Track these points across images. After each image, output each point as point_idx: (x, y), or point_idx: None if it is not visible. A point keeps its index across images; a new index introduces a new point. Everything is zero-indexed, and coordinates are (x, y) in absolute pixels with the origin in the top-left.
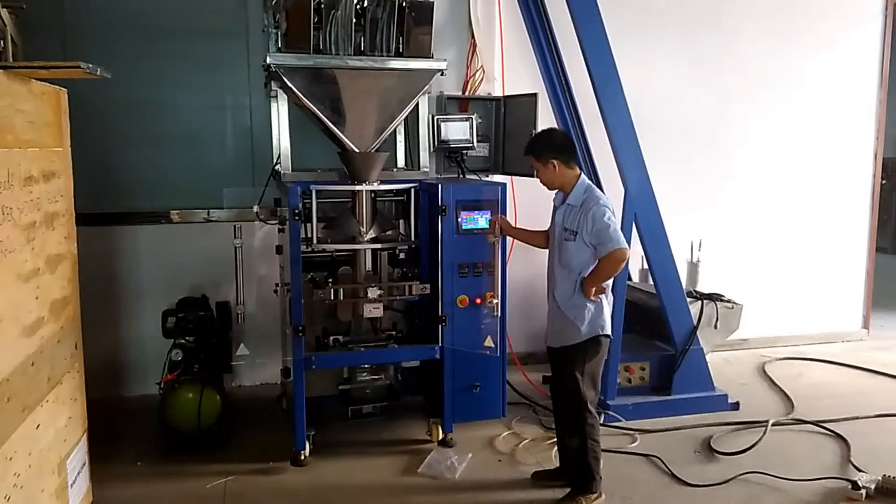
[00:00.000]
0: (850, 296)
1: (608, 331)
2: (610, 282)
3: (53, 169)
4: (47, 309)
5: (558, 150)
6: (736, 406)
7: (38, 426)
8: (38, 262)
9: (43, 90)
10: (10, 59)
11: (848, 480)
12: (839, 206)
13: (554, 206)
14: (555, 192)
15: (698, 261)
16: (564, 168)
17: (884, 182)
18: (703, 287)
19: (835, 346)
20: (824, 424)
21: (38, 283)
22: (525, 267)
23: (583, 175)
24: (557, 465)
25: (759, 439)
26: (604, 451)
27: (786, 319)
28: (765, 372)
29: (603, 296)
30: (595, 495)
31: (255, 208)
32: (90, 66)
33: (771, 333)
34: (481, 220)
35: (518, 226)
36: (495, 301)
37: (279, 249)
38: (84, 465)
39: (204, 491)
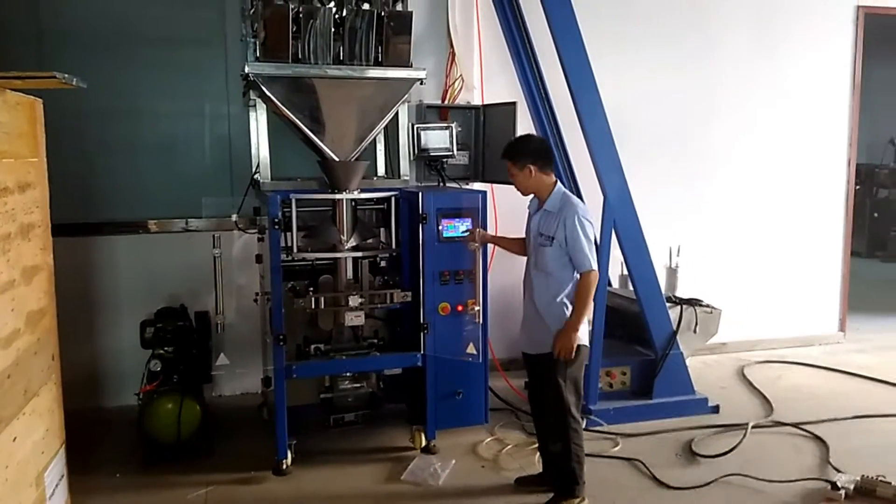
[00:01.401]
0: (827, 300)
1: (586, 341)
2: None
3: (29, 180)
4: (23, 321)
5: (535, 156)
6: (716, 409)
7: (15, 439)
8: (14, 273)
9: (17, 100)
10: None
11: (827, 481)
12: (815, 211)
13: (529, 213)
14: (530, 197)
15: (677, 266)
16: (540, 174)
17: (857, 187)
18: (682, 292)
19: (812, 350)
20: (803, 426)
21: (14, 294)
22: (505, 274)
23: (559, 183)
24: (540, 470)
25: (740, 442)
26: (587, 455)
27: (764, 323)
28: (744, 375)
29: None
30: (578, 499)
31: (234, 217)
32: (66, 76)
33: (749, 337)
34: (462, 228)
35: (498, 233)
36: (477, 308)
37: (259, 258)
38: (62, 477)
39: (185, 502)
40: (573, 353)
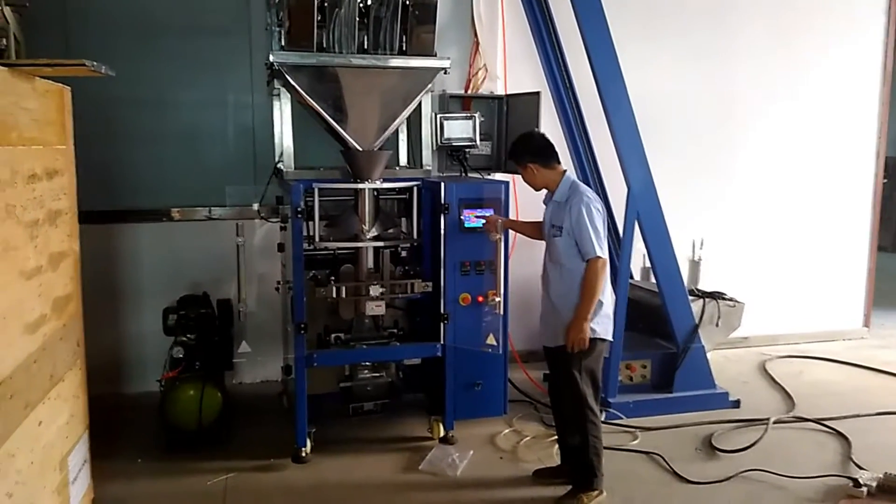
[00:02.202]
0: (851, 294)
1: (605, 335)
2: (608, 282)
3: (57, 167)
4: (50, 306)
5: (535, 154)
6: (737, 404)
7: (41, 423)
8: (41, 259)
9: (47, 88)
10: (14, 57)
11: (849, 478)
12: (841, 204)
13: (544, 204)
14: (544, 191)
15: (700, 259)
16: (544, 169)
17: (885, 181)
18: (705, 285)
19: (835, 345)
20: (825, 422)
21: (41, 280)
22: (525, 265)
23: (567, 172)
24: (559, 462)
25: (761, 437)
26: (605, 448)
27: (786, 317)
28: (765, 370)
29: (602, 299)
30: (596, 492)
31: (256, 206)
32: (95, 64)
33: (772, 332)
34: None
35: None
36: (498, 299)
37: (281, 247)
38: (85, 462)
39: (205, 488)
40: (586, 344)
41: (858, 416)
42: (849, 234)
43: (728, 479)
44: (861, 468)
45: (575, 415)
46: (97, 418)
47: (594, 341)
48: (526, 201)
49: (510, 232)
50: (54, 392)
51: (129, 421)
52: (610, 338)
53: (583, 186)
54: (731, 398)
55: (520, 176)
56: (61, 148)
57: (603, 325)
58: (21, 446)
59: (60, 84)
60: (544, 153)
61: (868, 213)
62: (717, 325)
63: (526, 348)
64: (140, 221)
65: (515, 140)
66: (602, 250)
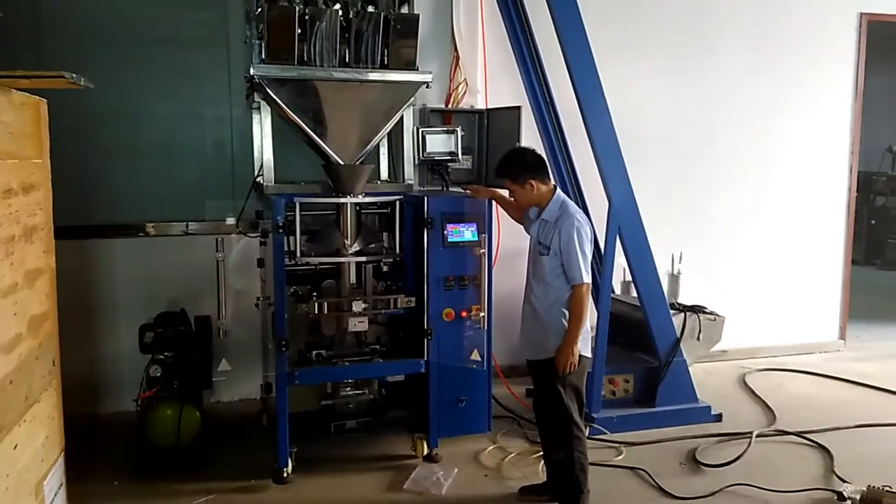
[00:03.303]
0: (827, 307)
1: (586, 352)
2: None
3: (33, 181)
4: (25, 325)
5: (533, 170)
6: (719, 418)
7: (16, 447)
8: (17, 276)
9: (23, 100)
10: None
11: (833, 491)
12: (816, 218)
13: (529, 219)
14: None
15: (679, 273)
16: (541, 185)
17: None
18: (683, 299)
19: (813, 357)
20: (806, 435)
21: (17, 298)
22: (506, 279)
23: (557, 189)
24: (544, 479)
25: (744, 451)
26: (590, 464)
27: (764, 331)
28: (745, 383)
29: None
30: None
31: (230, 220)
32: (74, 76)
33: (750, 344)
34: (467, 233)
35: (502, 237)
36: (482, 314)
37: (261, 262)
38: (61, 485)
39: None
40: (576, 367)
41: (839, 428)
42: (824, 247)
43: (713, 493)
44: (844, 481)
45: (560, 430)
46: (71, 439)
47: (578, 358)
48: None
49: (494, 247)
50: (30, 414)
51: (105, 442)
52: (589, 354)
53: (572, 206)
54: (713, 412)
55: (510, 194)
56: (38, 162)
57: (586, 341)
58: None
59: (37, 96)
60: (541, 168)
61: (842, 227)
62: (698, 338)
63: (507, 363)
64: (115, 237)
65: (508, 156)
66: (588, 275)
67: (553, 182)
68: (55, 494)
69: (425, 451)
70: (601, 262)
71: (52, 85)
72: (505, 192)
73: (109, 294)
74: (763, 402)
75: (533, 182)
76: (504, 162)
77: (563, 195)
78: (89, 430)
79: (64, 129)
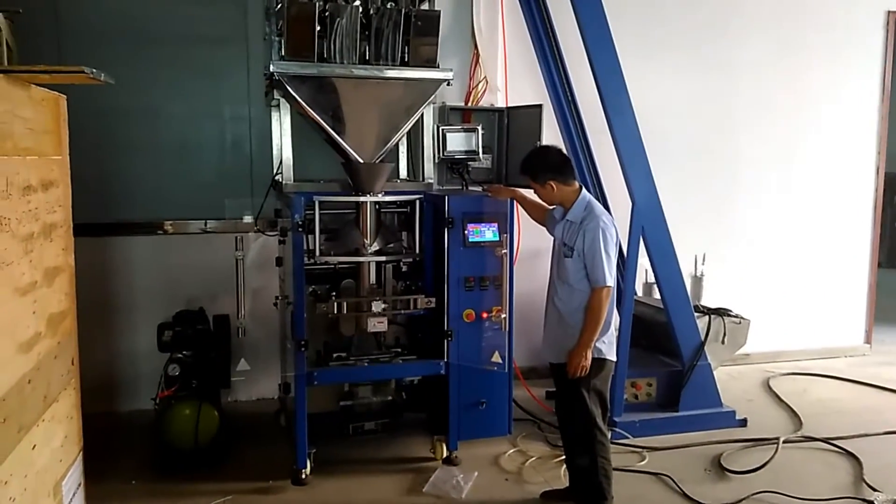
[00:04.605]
0: (853, 310)
1: (611, 356)
2: (614, 304)
3: (52, 178)
4: (44, 324)
5: (556, 170)
6: (744, 423)
7: (34, 447)
8: (36, 274)
9: (43, 96)
10: (6, 64)
11: (863, 500)
12: (841, 220)
13: (553, 220)
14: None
15: (702, 275)
16: (563, 186)
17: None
18: (706, 301)
19: (837, 362)
20: (834, 441)
21: (36, 296)
22: (526, 280)
23: (583, 190)
24: (566, 484)
25: (771, 457)
26: (613, 469)
27: (788, 334)
28: (770, 387)
29: (609, 320)
30: None
31: (247, 219)
32: (94, 71)
33: (773, 348)
34: (488, 233)
35: (522, 239)
36: (503, 315)
37: (279, 261)
38: (79, 485)
39: None
40: (587, 371)
41: (867, 435)
42: (849, 249)
43: (740, 501)
44: (875, 490)
45: (583, 435)
46: (89, 438)
47: (602, 361)
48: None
49: (514, 247)
50: (48, 413)
51: (123, 441)
52: (615, 358)
53: (598, 208)
54: (737, 417)
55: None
56: (57, 158)
57: (611, 345)
58: (14, 472)
59: (56, 92)
60: (565, 169)
61: (868, 229)
62: (722, 342)
63: (526, 364)
64: (134, 234)
65: (531, 155)
66: (611, 279)
67: (578, 182)
68: (73, 494)
69: (445, 454)
70: (624, 263)
71: (73, 81)
72: (526, 192)
73: (127, 292)
74: (789, 407)
75: (553, 183)
76: (527, 161)
77: (589, 196)
78: (107, 429)
79: (83, 127)
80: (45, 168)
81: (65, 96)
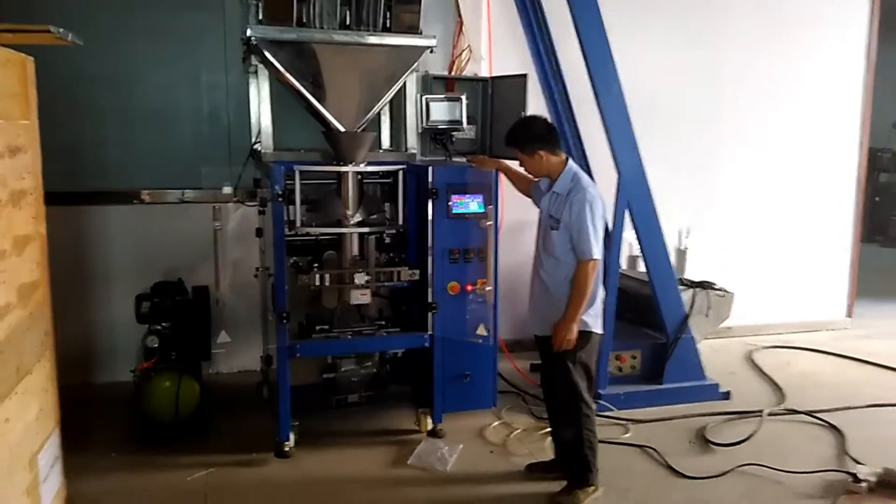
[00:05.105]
0: (835, 285)
1: (598, 328)
2: (601, 277)
3: (19, 143)
4: (15, 294)
5: (543, 140)
6: (727, 395)
7: (7, 420)
8: (4, 243)
9: (8, 57)
10: None
11: (847, 473)
12: (825, 194)
13: (539, 191)
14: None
15: (686, 248)
16: (550, 156)
17: None
18: (690, 274)
19: (819, 335)
20: (817, 415)
21: (5, 266)
22: (511, 253)
23: (570, 161)
24: (552, 456)
25: (756, 430)
26: (598, 441)
27: (770, 307)
28: (752, 361)
29: (595, 294)
30: (592, 488)
31: (227, 189)
32: (61, 30)
33: (756, 321)
34: (473, 205)
35: (507, 210)
36: (488, 288)
37: (259, 232)
38: (57, 459)
39: (184, 484)
40: (573, 345)
41: (850, 408)
42: (832, 224)
43: (724, 473)
44: (858, 462)
45: (568, 408)
46: (67, 410)
47: (588, 334)
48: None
49: (500, 219)
50: (21, 386)
51: (101, 413)
52: (601, 331)
53: (585, 179)
54: (720, 390)
55: (517, 162)
56: (24, 123)
57: (597, 318)
58: None
59: (23, 54)
60: (552, 138)
61: (851, 204)
62: (706, 315)
63: (511, 337)
64: (110, 203)
65: (516, 126)
66: (598, 252)
67: (565, 153)
68: (51, 468)
69: (429, 426)
70: (609, 236)
71: (38, 40)
72: (511, 163)
73: (104, 262)
74: (771, 380)
75: (542, 153)
76: (513, 131)
77: (575, 167)
78: (85, 401)
79: (55, 92)
80: (12, 133)
81: (32, 58)
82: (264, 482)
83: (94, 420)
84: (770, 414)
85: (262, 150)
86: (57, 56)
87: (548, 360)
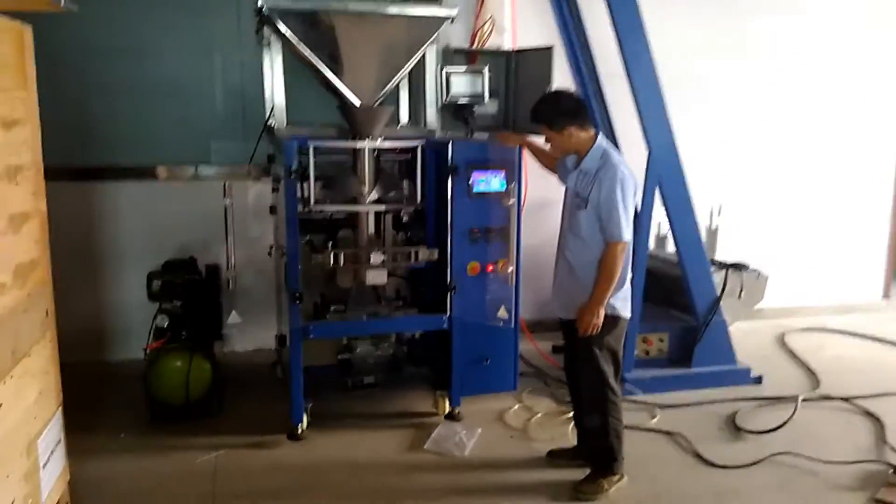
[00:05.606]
0: (871, 265)
1: (626, 312)
2: (630, 260)
3: (16, 116)
4: (10, 274)
5: (572, 115)
6: (759, 380)
7: (2, 405)
8: (0, 221)
9: (2, 26)
10: None
11: (888, 464)
12: (862, 174)
13: (565, 168)
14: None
15: (717, 227)
16: (580, 132)
17: None
18: (721, 255)
19: (853, 317)
20: (854, 401)
21: (0, 245)
22: (534, 232)
23: (600, 136)
24: (574, 443)
25: (790, 417)
26: (624, 427)
27: (803, 288)
28: (785, 344)
29: (624, 276)
30: (617, 477)
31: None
32: None
33: (788, 303)
34: (495, 182)
35: (530, 187)
36: (510, 269)
37: (273, 210)
38: (59, 442)
39: (193, 466)
40: (598, 329)
41: (888, 394)
42: (869, 202)
43: (757, 462)
44: None
45: (594, 394)
46: (77, 389)
47: (616, 319)
48: (537, 164)
49: (522, 196)
50: (18, 369)
51: (112, 391)
52: (629, 315)
53: (615, 156)
54: (752, 374)
55: (546, 140)
56: (21, 95)
57: (625, 301)
58: None
59: (19, 22)
60: (581, 113)
61: (890, 183)
62: (739, 297)
63: (533, 318)
64: (121, 179)
65: (542, 101)
66: (628, 233)
67: (594, 128)
68: (51, 452)
69: (447, 410)
70: (637, 215)
71: (30, 6)
72: (535, 139)
73: (116, 239)
74: (805, 364)
75: (572, 129)
76: (539, 106)
77: (605, 143)
78: (96, 379)
79: (66, 66)
80: (7, 105)
81: (30, 27)
82: (275, 465)
83: (106, 399)
84: (804, 400)
85: (276, 126)
86: (67, 28)
87: (572, 344)
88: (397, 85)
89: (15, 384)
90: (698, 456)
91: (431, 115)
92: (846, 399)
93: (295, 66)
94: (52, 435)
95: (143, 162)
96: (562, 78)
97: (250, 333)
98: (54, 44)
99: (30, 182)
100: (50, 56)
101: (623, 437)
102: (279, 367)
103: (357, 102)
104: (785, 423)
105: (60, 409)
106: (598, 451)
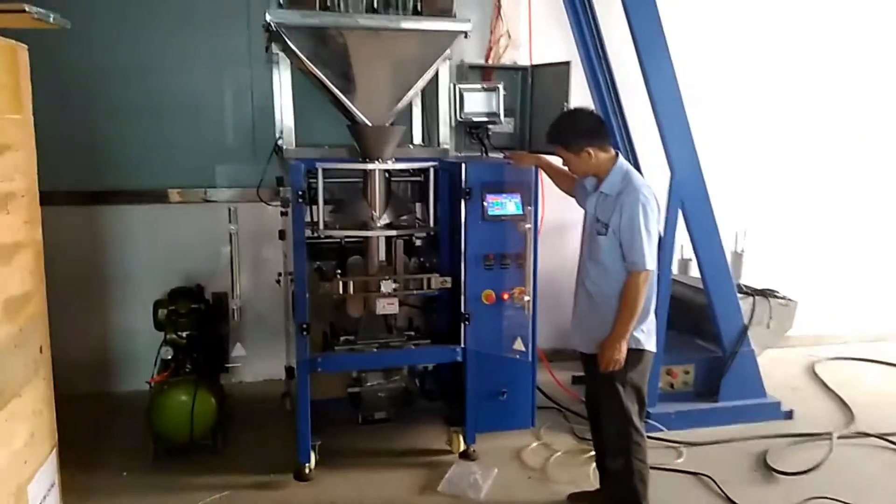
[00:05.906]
0: None
1: (651, 346)
2: (654, 289)
3: (9, 141)
4: (0, 308)
5: (591, 135)
6: (790, 415)
7: None
8: None
9: None
10: None
11: None
12: (893, 197)
13: (584, 191)
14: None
15: (742, 251)
16: (600, 153)
17: None
18: (746, 279)
19: (885, 346)
20: (892, 438)
21: None
22: (551, 256)
23: (620, 157)
24: (596, 485)
25: (826, 457)
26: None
27: (833, 315)
28: (815, 374)
29: (649, 307)
30: None
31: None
32: (40, 11)
33: (817, 331)
34: (510, 205)
35: (547, 210)
36: (527, 298)
37: (282, 234)
38: (53, 485)
39: None
40: (621, 365)
41: None
42: None
43: None
44: None
45: (617, 435)
46: (79, 422)
47: (640, 352)
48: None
49: (539, 219)
50: (6, 412)
51: (116, 425)
52: (654, 349)
53: (637, 178)
54: (782, 408)
55: (564, 163)
56: (14, 118)
57: (650, 334)
58: None
59: (13, 41)
60: (601, 133)
61: None
62: (767, 325)
63: (551, 347)
64: (126, 203)
65: (560, 120)
66: (651, 262)
67: (614, 149)
68: (44, 497)
69: (462, 447)
70: (661, 240)
71: (14, 23)
72: (552, 159)
73: (122, 265)
74: (837, 396)
75: (591, 150)
76: (556, 126)
77: (626, 164)
78: (100, 412)
79: (71, 85)
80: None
81: (25, 46)
82: None
83: (110, 434)
84: (839, 437)
85: (284, 147)
86: (73, 48)
87: (594, 380)
88: (409, 103)
89: (2, 428)
90: (728, 499)
91: (445, 134)
92: (883, 436)
93: (305, 84)
94: (44, 479)
95: (151, 185)
96: (580, 94)
97: (260, 363)
98: (61, 65)
99: (23, 210)
100: (54, 76)
101: (648, 481)
102: (288, 399)
103: (367, 122)
104: (820, 463)
105: (55, 450)
106: (621, 495)
